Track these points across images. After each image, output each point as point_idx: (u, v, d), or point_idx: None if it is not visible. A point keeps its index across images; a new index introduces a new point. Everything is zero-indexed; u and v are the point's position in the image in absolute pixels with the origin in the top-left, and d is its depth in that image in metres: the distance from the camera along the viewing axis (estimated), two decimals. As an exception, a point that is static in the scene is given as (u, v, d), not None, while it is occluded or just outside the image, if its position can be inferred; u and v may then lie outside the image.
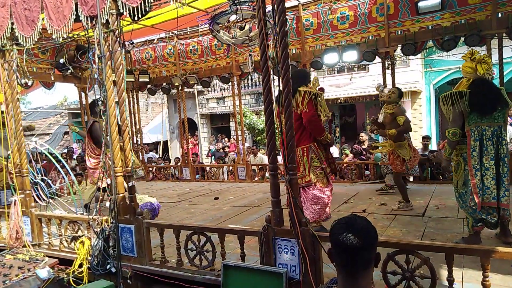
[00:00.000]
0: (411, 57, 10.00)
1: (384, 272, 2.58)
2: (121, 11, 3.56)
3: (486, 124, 3.23)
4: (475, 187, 3.19)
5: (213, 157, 10.68)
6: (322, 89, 5.20)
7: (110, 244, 3.83)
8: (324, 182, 3.87)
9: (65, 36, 3.96)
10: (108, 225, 3.86)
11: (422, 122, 13.50)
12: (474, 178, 3.20)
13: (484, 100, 3.21)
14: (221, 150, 11.65)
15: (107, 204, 3.88)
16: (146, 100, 18.78)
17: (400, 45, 6.28)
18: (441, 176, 6.75)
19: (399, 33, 6.27)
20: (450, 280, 2.42)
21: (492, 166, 3.19)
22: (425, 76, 13.67)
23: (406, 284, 2.53)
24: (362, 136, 9.54)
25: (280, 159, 3.84)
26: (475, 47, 5.76)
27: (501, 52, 5.65)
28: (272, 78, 2.98)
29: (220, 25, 5.24)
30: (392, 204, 5.06)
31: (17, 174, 4.64)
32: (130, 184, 3.76)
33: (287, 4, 5.86)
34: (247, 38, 5.43)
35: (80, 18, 3.78)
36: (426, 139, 8.40)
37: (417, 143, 10.24)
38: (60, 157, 6.18)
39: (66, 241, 4.33)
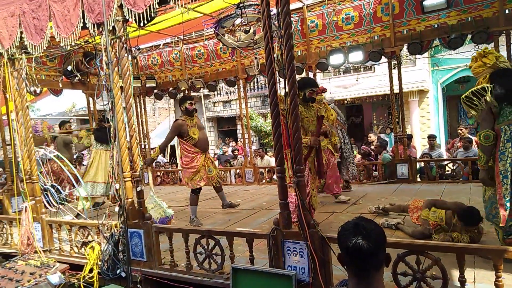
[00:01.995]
0: (417, 56, 9.93)
1: (395, 273, 2.56)
2: (127, 17, 3.60)
3: None
4: (502, 197, 2.79)
5: (218, 160, 10.69)
6: (323, 90, 5.17)
7: (120, 248, 3.86)
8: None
9: (72, 44, 4.02)
10: (117, 230, 3.89)
11: (430, 121, 13.39)
12: (501, 186, 2.80)
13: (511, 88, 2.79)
14: (229, 153, 11.66)
15: (116, 209, 3.92)
16: (153, 105, 18.90)
17: (406, 45, 6.23)
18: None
19: (405, 32, 6.23)
20: (462, 280, 2.40)
21: None
22: (432, 75, 13.56)
23: (417, 285, 2.50)
24: (370, 137, 9.50)
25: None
26: (482, 45, 5.74)
27: (509, 49, 5.57)
28: (278, 81, 2.98)
29: (225, 29, 5.26)
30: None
31: (27, 181, 4.70)
32: (138, 188, 3.79)
33: (292, 6, 5.87)
34: (251, 41, 5.44)
35: (87, 26, 3.83)
36: (431, 138, 8.33)
37: (424, 143, 10.14)
38: (69, 164, 6.24)
39: (77, 246, 4.37)
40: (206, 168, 5.35)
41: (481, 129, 2.95)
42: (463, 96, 3.02)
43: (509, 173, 2.78)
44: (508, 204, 2.78)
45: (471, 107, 2.97)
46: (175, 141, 7.03)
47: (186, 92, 8.75)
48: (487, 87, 2.86)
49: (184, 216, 5.88)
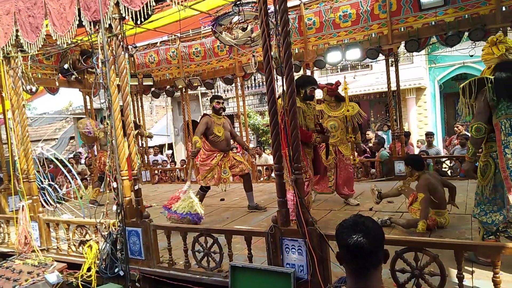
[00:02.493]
0: (414, 53, 9.93)
1: (393, 270, 2.57)
2: (124, 15, 3.58)
3: None
4: (510, 191, 2.66)
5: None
6: (335, 85, 5.17)
7: (118, 247, 3.85)
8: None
9: (69, 42, 3.99)
10: (115, 229, 3.88)
11: (427, 118, 13.42)
12: (509, 181, 2.66)
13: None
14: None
15: (114, 207, 3.90)
16: (150, 103, 18.84)
17: (404, 42, 6.24)
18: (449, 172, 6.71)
19: (402, 29, 6.23)
20: (460, 277, 2.40)
21: None
22: (429, 72, 13.58)
23: (415, 281, 2.51)
24: (368, 134, 9.51)
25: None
26: (479, 42, 5.75)
27: (506, 46, 5.59)
28: (275, 78, 2.98)
29: (222, 27, 5.25)
30: (398, 202, 5.03)
31: (24, 180, 4.68)
32: (136, 187, 3.78)
33: (289, 4, 5.86)
34: (249, 39, 5.43)
35: (84, 24, 3.80)
36: (429, 135, 8.35)
37: (422, 140, 10.17)
38: (66, 162, 6.22)
39: (74, 245, 4.36)
40: (222, 168, 5.35)
41: (474, 121, 2.86)
42: (462, 85, 2.94)
43: None
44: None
45: (465, 95, 2.89)
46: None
47: (184, 90, 8.74)
48: (488, 79, 2.77)
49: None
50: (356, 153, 6.69)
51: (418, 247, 2.52)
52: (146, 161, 9.62)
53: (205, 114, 5.45)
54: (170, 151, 14.92)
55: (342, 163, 5.42)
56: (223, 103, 5.54)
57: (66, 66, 7.43)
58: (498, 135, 2.77)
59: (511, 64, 2.79)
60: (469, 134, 2.99)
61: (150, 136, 8.27)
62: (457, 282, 2.42)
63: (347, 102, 5.50)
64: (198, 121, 5.43)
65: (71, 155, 12.67)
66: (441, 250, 2.59)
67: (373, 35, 6.46)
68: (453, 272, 2.59)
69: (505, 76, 2.73)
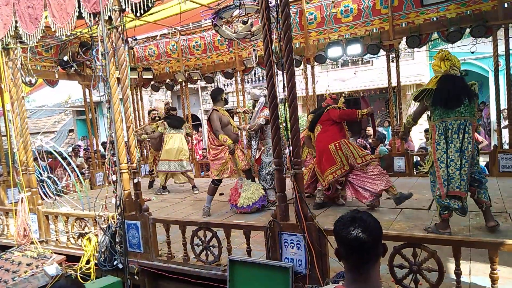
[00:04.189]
0: (416, 49, 9.90)
1: (391, 265, 2.58)
2: (124, 7, 3.56)
3: (453, 118, 3.40)
4: (440, 177, 3.44)
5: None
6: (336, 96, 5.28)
7: (117, 240, 3.86)
8: None
9: (68, 34, 3.96)
10: (114, 222, 3.89)
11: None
12: (439, 169, 3.46)
13: (448, 95, 3.38)
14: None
15: (113, 200, 3.90)
16: (150, 96, 18.78)
17: (405, 38, 6.21)
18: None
19: (404, 25, 6.20)
20: (458, 273, 2.41)
21: (457, 157, 3.39)
22: (430, 69, 13.54)
23: (413, 277, 2.52)
24: (368, 130, 9.49)
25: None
26: (480, 38, 5.73)
27: (508, 43, 5.57)
28: (276, 73, 2.96)
29: (223, 20, 5.21)
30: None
31: (23, 172, 4.67)
32: (135, 180, 3.77)
33: (290, -2, 5.84)
34: (248, 33, 5.40)
35: (83, 15, 3.78)
36: (428, 132, 8.34)
37: (421, 136, 10.18)
38: (66, 155, 6.22)
39: (73, 237, 4.37)
40: (233, 160, 5.34)
41: (411, 114, 3.81)
42: (414, 92, 3.65)
43: (444, 159, 3.43)
44: (445, 183, 3.41)
45: (416, 100, 3.62)
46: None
47: (183, 84, 8.70)
48: (431, 90, 3.45)
49: (184, 207, 5.89)
50: None
51: (416, 243, 2.53)
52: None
53: (213, 109, 5.32)
54: None
55: None
56: None
57: (65, 58, 7.39)
58: (433, 134, 3.51)
59: (451, 79, 3.43)
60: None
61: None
62: (455, 278, 2.43)
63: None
64: (212, 118, 5.27)
65: (70, 148, 12.66)
66: (439, 246, 2.60)
67: (375, 31, 6.43)
68: (451, 268, 2.60)
69: (444, 89, 3.39)
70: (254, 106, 5.38)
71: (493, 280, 2.31)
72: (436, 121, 3.49)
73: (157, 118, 7.45)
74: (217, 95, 5.45)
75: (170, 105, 7.46)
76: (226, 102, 5.58)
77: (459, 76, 3.52)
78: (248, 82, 15.67)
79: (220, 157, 5.26)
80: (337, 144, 4.62)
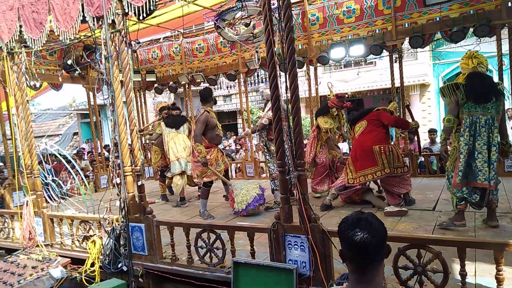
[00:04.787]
0: (419, 49, 9.88)
1: (396, 267, 2.57)
2: (127, 11, 3.57)
3: (480, 113, 3.54)
4: (457, 167, 3.59)
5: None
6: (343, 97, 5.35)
7: (121, 243, 3.87)
8: None
9: (72, 37, 3.99)
10: (118, 224, 3.90)
11: (431, 115, 13.36)
12: (459, 160, 3.58)
13: (477, 91, 3.54)
14: (232, 146, 11.64)
15: (117, 203, 3.92)
16: (153, 99, 18.86)
17: (408, 38, 6.19)
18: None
19: (407, 25, 6.18)
20: (463, 274, 2.40)
21: (485, 150, 3.49)
22: (433, 69, 13.50)
23: (417, 278, 2.51)
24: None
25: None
26: (484, 38, 5.70)
27: (512, 42, 5.54)
28: (278, 75, 2.97)
29: (226, 22, 5.23)
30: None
31: (28, 175, 4.70)
32: (139, 183, 3.79)
33: (292, 0, 5.83)
34: (251, 35, 5.41)
35: (87, 19, 3.80)
36: (432, 132, 8.31)
37: (425, 137, 10.13)
38: (70, 158, 6.24)
39: (78, 240, 4.39)
40: (216, 162, 5.34)
41: (446, 114, 3.76)
42: (442, 87, 3.82)
43: (464, 151, 3.54)
44: (460, 173, 3.54)
45: (444, 95, 3.78)
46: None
47: (187, 86, 8.73)
48: (461, 84, 3.61)
49: (185, 210, 5.90)
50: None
51: (421, 244, 2.52)
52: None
53: (205, 111, 5.22)
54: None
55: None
56: None
57: (69, 62, 7.43)
58: (461, 126, 3.64)
59: (480, 76, 3.60)
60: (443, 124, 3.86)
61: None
62: (460, 279, 2.42)
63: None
64: (198, 119, 5.16)
65: (75, 151, 12.71)
66: (444, 247, 2.59)
67: (377, 31, 6.41)
68: (456, 269, 2.58)
69: (473, 84, 3.56)
70: (266, 106, 5.41)
71: (499, 281, 2.29)
72: (464, 113, 3.61)
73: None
74: (208, 96, 5.30)
75: (169, 104, 6.96)
76: (215, 102, 5.50)
77: (486, 74, 3.69)
78: (250, 84, 15.70)
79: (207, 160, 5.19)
80: (382, 147, 4.50)
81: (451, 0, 5.61)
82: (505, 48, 5.63)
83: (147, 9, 3.45)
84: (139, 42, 8.29)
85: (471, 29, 5.63)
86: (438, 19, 5.90)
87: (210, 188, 5.37)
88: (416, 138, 5.44)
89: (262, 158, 9.35)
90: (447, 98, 3.75)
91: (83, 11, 3.80)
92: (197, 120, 5.16)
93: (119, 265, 3.82)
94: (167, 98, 17.87)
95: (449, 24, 5.77)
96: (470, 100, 3.56)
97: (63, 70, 7.70)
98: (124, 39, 3.66)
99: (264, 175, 8.35)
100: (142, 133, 7.57)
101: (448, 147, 3.92)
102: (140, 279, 3.76)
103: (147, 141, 7.41)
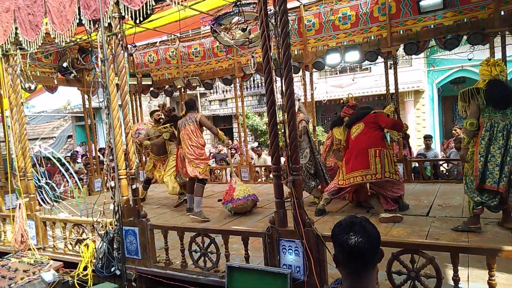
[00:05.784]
0: (413, 56, 9.97)
1: (389, 272, 2.58)
2: (123, 14, 3.58)
3: (499, 118, 3.65)
4: (477, 170, 3.66)
5: (214, 159, 10.66)
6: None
7: (115, 246, 3.85)
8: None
9: (68, 40, 3.99)
10: (112, 228, 3.87)
11: (426, 121, 13.46)
12: (477, 163, 3.67)
13: (498, 96, 3.64)
14: (224, 152, 11.60)
15: (111, 206, 3.90)
16: (149, 102, 18.79)
17: (402, 45, 6.26)
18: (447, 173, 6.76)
19: (401, 32, 6.25)
20: (456, 279, 2.41)
21: (498, 154, 3.59)
22: (427, 76, 13.62)
23: (411, 284, 2.52)
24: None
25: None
26: (477, 45, 5.77)
27: (504, 50, 5.61)
28: (274, 80, 2.98)
29: (222, 27, 5.25)
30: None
31: (22, 178, 4.67)
32: (134, 186, 3.77)
33: (289, 5, 5.86)
34: (246, 39, 5.44)
35: (83, 22, 3.80)
36: (427, 138, 8.36)
37: (420, 143, 10.20)
38: (64, 161, 6.21)
39: (71, 244, 4.35)
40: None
41: (468, 118, 3.81)
42: (461, 91, 3.86)
43: (484, 153, 3.64)
44: (480, 175, 3.61)
45: (464, 100, 3.84)
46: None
47: (183, 90, 8.73)
48: (482, 89, 3.70)
49: (182, 213, 5.88)
50: None
51: (414, 249, 2.53)
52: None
53: (201, 114, 5.64)
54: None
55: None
56: None
57: (65, 64, 7.40)
58: (481, 130, 3.72)
59: (501, 83, 3.73)
60: (464, 128, 3.91)
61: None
62: (453, 284, 2.43)
63: None
64: (205, 120, 5.61)
65: (69, 154, 12.62)
66: (437, 252, 2.60)
67: (372, 38, 6.48)
68: (449, 274, 2.60)
69: (494, 91, 3.67)
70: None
71: (491, 286, 2.31)
72: (485, 117, 3.72)
73: (161, 120, 6.82)
74: (194, 105, 5.74)
75: (169, 106, 6.97)
76: (198, 111, 5.80)
77: (506, 83, 3.80)
78: (247, 88, 15.74)
79: (206, 157, 5.58)
80: (377, 151, 4.50)
81: (445, 8, 5.68)
82: (498, 56, 5.71)
83: (144, 13, 3.46)
84: (135, 46, 8.28)
85: (465, 37, 5.71)
86: (432, 26, 5.98)
87: (205, 185, 5.54)
88: (407, 142, 5.55)
89: (257, 162, 9.37)
90: (464, 103, 3.83)
91: (79, 14, 3.80)
92: (204, 121, 5.53)
93: (112, 269, 3.79)
94: (162, 102, 17.85)
95: (443, 32, 5.84)
96: (490, 105, 3.67)
97: (58, 73, 7.66)
98: (121, 42, 3.66)
99: (259, 180, 8.36)
100: (138, 139, 7.40)
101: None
102: (133, 283, 3.74)
103: (148, 148, 7.10)
